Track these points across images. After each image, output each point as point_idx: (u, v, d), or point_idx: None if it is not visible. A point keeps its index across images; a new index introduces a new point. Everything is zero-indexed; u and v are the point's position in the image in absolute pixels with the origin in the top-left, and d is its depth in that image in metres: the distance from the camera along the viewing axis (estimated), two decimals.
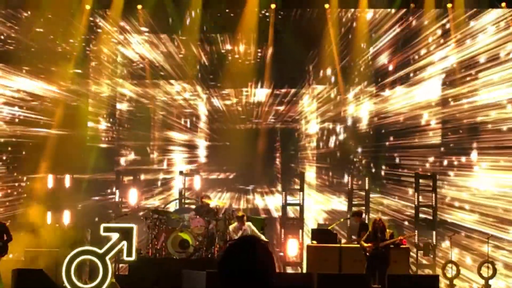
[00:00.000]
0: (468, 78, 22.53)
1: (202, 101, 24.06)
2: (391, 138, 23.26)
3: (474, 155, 22.38)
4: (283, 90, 23.84)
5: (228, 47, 23.70)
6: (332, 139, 23.82)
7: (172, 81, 23.89)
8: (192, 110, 24.13)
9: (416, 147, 22.82)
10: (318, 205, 23.32)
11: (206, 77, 23.91)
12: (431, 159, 22.80)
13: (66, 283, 15.23)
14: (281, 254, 20.69)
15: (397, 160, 23.08)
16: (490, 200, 21.67)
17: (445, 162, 22.72)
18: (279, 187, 22.38)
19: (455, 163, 22.59)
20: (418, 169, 22.11)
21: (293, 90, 23.82)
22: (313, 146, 23.89)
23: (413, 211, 21.10)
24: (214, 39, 23.61)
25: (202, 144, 24.05)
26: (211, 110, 24.01)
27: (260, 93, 23.86)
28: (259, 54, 23.68)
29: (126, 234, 15.69)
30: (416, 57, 23.00)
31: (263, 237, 17.85)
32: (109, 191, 22.74)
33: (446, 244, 20.06)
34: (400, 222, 21.56)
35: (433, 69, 22.84)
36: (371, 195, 21.69)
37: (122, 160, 23.83)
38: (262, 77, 23.63)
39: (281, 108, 23.87)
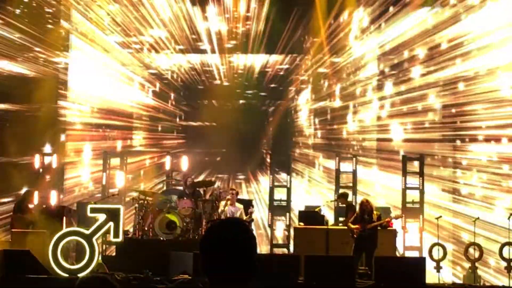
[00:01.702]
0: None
1: (187, 74, 23.67)
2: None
3: None
4: (276, 59, 23.39)
5: (216, 12, 23.22)
6: (328, 116, 23.66)
7: (154, 52, 23.43)
8: (175, 84, 23.78)
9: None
10: (307, 187, 23.34)
11: (194, 45, 23.36)
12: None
13: (52, 264, 15.20)
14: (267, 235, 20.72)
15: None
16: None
17: None
18: (268, 172, 22.16)
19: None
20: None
21: (286, 63, 23.44)
22: (307, 124, 23.75)
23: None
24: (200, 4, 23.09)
25: (188, 123, 23.85)
26: (199, 84, 23.62)
27: (252, 63, 23.40)
28: (248, 23, 23.28)
29: (113, 215, 15.66)
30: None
31: (244, 218, 17.85)
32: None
33: (433, 226, 20.06)
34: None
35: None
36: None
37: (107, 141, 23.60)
38: (253, 45, 23.19)
39: (273, 81, 23.58)
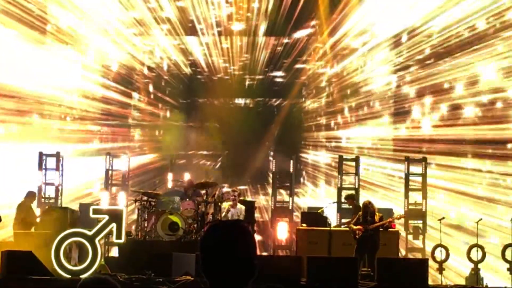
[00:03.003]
0: None
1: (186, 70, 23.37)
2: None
3: None
4: (282, 48, 22.98)
5: None
6: (335, 115, 23.46)
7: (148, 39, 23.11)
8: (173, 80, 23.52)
9: None
10: (310, 189, 23.29)
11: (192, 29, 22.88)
12: None
13: (55, 265, 15.20)
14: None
15: None
16: None
17: None
18: (272, 174, 21.95)
19: None
20: None
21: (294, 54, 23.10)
22: (314, 123, 23.59)
23: None
24: None
25: (188, 124, 23.70)
26: (200, 79, 23.25)
27: (257, 54, 23.04)
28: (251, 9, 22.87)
29: (115, 217, 15.66)
30: None
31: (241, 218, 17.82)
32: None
33: (435, 228, 20.04)
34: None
35: None
36: None
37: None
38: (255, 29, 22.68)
39: (281, 72, 23.25)
